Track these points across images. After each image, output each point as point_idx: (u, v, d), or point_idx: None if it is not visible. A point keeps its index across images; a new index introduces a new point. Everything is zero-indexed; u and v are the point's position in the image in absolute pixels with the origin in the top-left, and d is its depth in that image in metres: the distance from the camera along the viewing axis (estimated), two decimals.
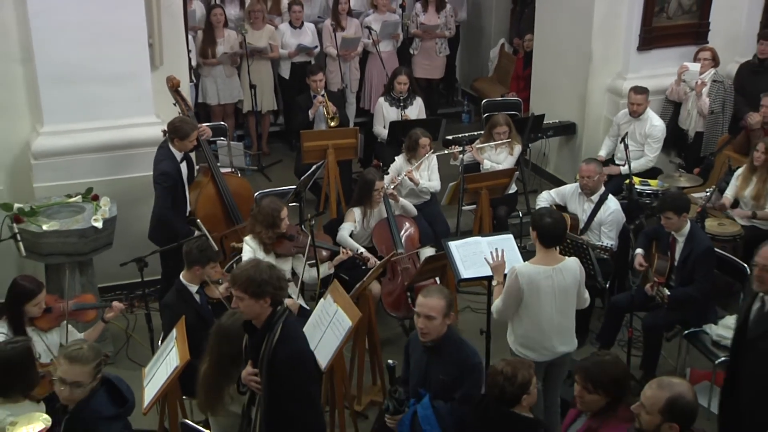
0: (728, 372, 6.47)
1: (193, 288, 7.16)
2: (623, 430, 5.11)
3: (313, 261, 7.98)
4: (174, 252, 8.11)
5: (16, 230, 8.25)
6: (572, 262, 6.80)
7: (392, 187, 9.34)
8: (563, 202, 9.06)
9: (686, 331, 7.98)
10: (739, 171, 9.30)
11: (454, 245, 7.59)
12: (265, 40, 12.41)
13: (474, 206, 9.80)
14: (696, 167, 10.52)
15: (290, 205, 8.87)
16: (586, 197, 8.82)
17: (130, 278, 8.24)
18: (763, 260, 6.01)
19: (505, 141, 10.08)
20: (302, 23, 12.71)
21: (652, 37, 11.06)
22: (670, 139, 10.82)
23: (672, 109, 11.12)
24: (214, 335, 6.03)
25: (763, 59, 10.87)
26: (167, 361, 6.46)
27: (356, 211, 8.85)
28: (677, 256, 7.96)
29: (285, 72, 12.89)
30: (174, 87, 9.03)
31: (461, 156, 9.83)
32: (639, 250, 8.30)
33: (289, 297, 7.76)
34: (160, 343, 7.19)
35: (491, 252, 7.27)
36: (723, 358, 7.58)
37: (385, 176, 9.52)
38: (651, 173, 10.20)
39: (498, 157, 10.18)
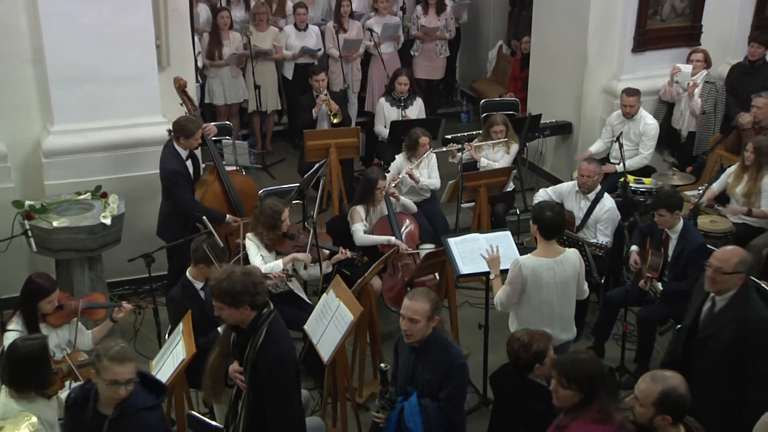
0: (680, 371, 6.43)
1: (199, 285, 7.14)
2: (593, 429, 5.10)
3: (315, 258, 7.99)
4: (181, 248, 8.14)
5: (28, 226, 8.26)
6: (572, 254, 6.84)
7: (393, 185, 9.34)
8: (560, 199, 9.04)
9: (679, 325, 7.95)
10: (731, 169, 9.29)
11: (453, 242, 7.60)
12: (270, 42, 12.40)
13: (473, 204, 9.79)
14: (689, 166, 10.50)
15: (293, 202, 8.89)
16: (583, 195, 8.82)
17: (138, 274, 8.23)
18: (717, 262, 6.02)
19: (502, 140, 10.09)
20: (307, 25, 12.69)
21: (646, 39, 11.06)
22: (664, 139, 10.81)
23: (665, 110, 11.11)
24: (226, 326, 6.02)
25: (753, 61, 10.87)
26: (174, 354, 6.46)
27: (360, 210, 8.84)
28: (670, 252, 7.96)
29: (288, 73, 12.89)
30: (181, 87, 9.02)
31: (459, 154, 9.83)
32: (634, 247, 8.29)
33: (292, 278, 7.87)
34: (166, 336, 7.18)
35: (487, 248, 7.30)
36: None
37: (387, 175, 9.53)
38: (645, 172, 10.19)
39: (495, 155, 10.18)
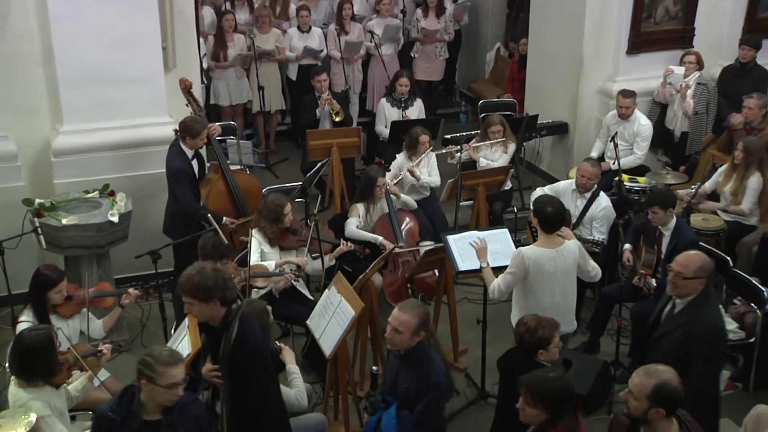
0: (640, 363, 6.44)
1: None
2: None
3: (317, 254, 7.99)
4: (186, 245, 8.15)
5: (38, 224, 8.27)
6: (572, 245, 6.87)
7: (395, 183, 9.35)
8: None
9: None
10: (722, 168, 9.31)
11: (452, 239, 7.58)
12: (272, 43, 12.39)
13: (471, 202, 9.78)
14: (682, 165, 10.51)
15: (296, 200, 8.89)
16: (579, 194, 8.82)
17: (145, 270, 8.22)
18: (678, 267, 6.01)
19: (499, 140, 10.09)
20: (310, 27, 12.68)
21: (640, 42, 11.06)
22: (657, 139, 10.81)
23: (659, 110, 11.12)
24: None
25: (744, 63, 10.88)
26: (180, 348, 6.44)
27: (360, 207, 8.85)
28: (664, 249, 7.97)
29: (293, 74, 12.88)
30: (186, 88, 9.03)
31: (458, 154, 9.83)
32: (627, 246, 8.31)
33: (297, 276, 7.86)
34: (172, 331, 7.18)
35: (475, 239, 7.35)
36: None
37: (387, 173, 9.54)
38: (639, 171, 10.19)
39: (493, 155, 10.18)
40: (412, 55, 13.60)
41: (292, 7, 13.14)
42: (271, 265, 7.81)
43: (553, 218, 6.75)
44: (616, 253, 8.79)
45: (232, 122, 11.67)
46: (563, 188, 9.02)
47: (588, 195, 8.76)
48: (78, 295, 7.02)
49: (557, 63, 11.69)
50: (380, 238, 8.68)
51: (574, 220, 8.80)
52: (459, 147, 9.91)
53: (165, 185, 8.64)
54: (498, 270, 7.13)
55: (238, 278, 7.39)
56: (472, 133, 10.85)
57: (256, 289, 7.61)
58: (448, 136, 11.10)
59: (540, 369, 5.53)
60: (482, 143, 10.16)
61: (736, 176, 9.06)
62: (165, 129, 9.04)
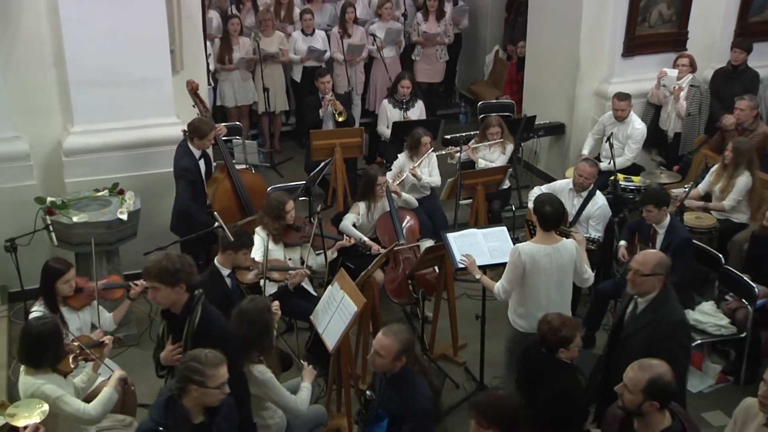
0: (604, 369, 6.43)
1: (225, 271, 7.17)
2: None
3: (320, 249, 8.00)
4: (193, 242, 8.16)
5: (49, 222, 8.28)
6: (569, 243, 6.85)
7: (397, 182, 9.36)
8: None
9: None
10: (714, 167, 9.32)
11: (452, 237, 7.59)
12: (276, 46, 12.40)
13: (470, 200, 9.80)
14: (675, 165, 10.52)
15: (300, 199, 8.90)
16: (576, 193, 8.82)
17: None
18: (636, 265, 6.02)
19: (497, 141, 10.09)
20: (313, 30, 12.69)
21: (635, 45, 11.06)
22: (652, 139, 10.83)
23: (653, 112, 11.13)
24: (234, 318, 6.01)
25: (736, 66, 10.89)
26: None
27: (361, 205, 8.86)
28: (658, 246, 7.95)
29: (297, 75, 12.89)
30: (193, 90, 9.03)
31: (458, 155, 9.84)
32: (622, 242, 8.33)
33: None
34: None
35: (462, 258, 7.33)
36: (699, 341, 7.61)
37: (388, 173, 9.55)
38: (634, 170, 10.20)
39: (492, 155, 10.19)
40: (413, 57, 13.60)
41: (297, 11, 13.15)
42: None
43: (551, 217, 6.74)
44: (612, 250, 8.81)
45: (237, 123, 11.67)
46: (560, 187, 9.03)
47: (584, 194, 8.77)
48: (88, 287, 7.05)
49: (554, 65, 11.69)
50: (365, 239, 8.66)
51: (570, 219, 8.81)
52: (458, 147, 9.93)
53: (172, 184, 8.64)
54: (497, 267, 7.14)
55: (256, 271, 7.42)
56: (472, 133, 10.85)
57: (272, 282, 7.63)
58: (448, 137, 11.10)
59: (490, 389, 5.46)
60: (481, 144, 10.17)
61: (725, 175, 9.07)
62: (172, 129, 9.06)
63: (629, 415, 5.06)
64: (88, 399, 6.07)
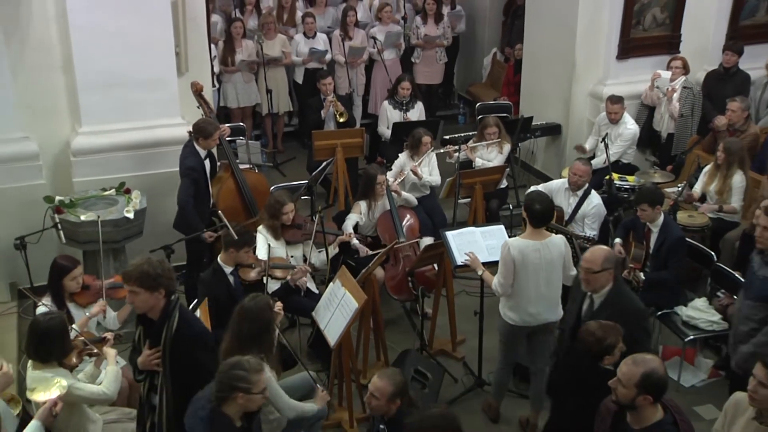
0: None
1: (228, 269, 7.21)
2: None
3: (322, 247, 8.02)
4: (197, 240, 8.17)
5: (58, 220, 8.32)
6: (558, 239, 6.86)
7: (398, 181, 9.38)
8: (550, 195, 9.06)
9: (659, 312, 8.01)
10: (706, 168, 9.33)
11: (450, 235, 7.61)
12: (278, 49, 12.41)
13: (469, 199, 9.81)
14: (669, 165, 10.53)
15: (302, 198, 8.92)
16: (572, 192, 8.84)
17: None
18: (586, 263, 6.01)
19: (495, 141, 10.10)
20: (315, 33, 12.70)
21: (629, 47, 11.08)
22: (645, 140, 10.85)
23: (647, 113, 11.13)
24: (236, 315, 6.02)
25: (728, 68, 10.89)
26: None
27: (362, 204, 8.87)
28: (652, 244, 7.99)
29: (299, 77, 12.90)
30: (198, 91, 9.05)
31: (456, 154, 9.86)
32: (617, 240, 8.33)
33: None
34: None
35: (466, 254, 7.37)
36: (692, 336, 7.62)
37: (389, 172, 9.56)
38: (628, 170, 10.21)
39: (489, 155, 10.20)
40: (413, 60, 13.61)
41: (299, 14, 13.16)
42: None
43: (540, 214, 6.75)
44: None
45: (241, 123, 11.69)
46: (557, 187, 9.05)
47: (580, 193, 8.79)
48: (95, 285, 7.10)
49: (551, 67, 11.71)
50: (355, 242, 8.63)
51: (567, 217, 8.83)
52: (457, 147, 9.94)
53: (178, 183, 8.64)
54: (496, 264, 7.16)
55: (258, 269, 7.44)
56: (470, 134, 10.85)
57: (274, 280, 7.64)
58: (447, 137, 11.11)
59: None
60: (479, 144, 10.18)
61: (719, 176, 9.08)
62: (178, 130, 9.07)
63: (622, 409, 5.07)
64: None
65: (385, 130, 11.14)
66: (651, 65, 11.09)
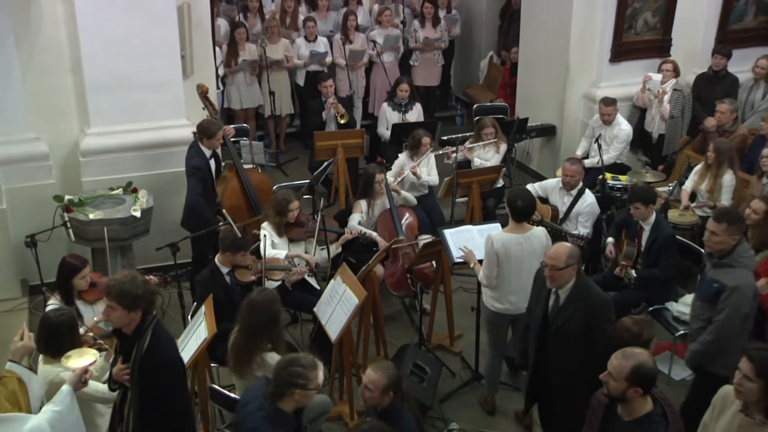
0: (535, 359, 6.42)
1: (224, 270, 7.22)
2: None
3: (323, 244, 8.04)
4: (202, 238, 8.20)
5: (67, 219, 8.35)
6: (539, 231, 6.96)
7: (398, 181, 9.40)
8: (545, 194, 9.11)
9: (651, 308, 8.03)
10: (697, 167, 9.35)
11: (448, 233, 7.63)
12: (281, 52, 12.44)
13: (466, 198, 9.83)
14: (660, 165, 10.55)
15: (304, 197, 8.94)
16: (566, 191, 8.87)
17: (165, 261, 8.27)
18: (550, 261, 5.99)
19: (491, 141, 10.13)
20: (316, 37, 12.73)
21: (622, 51, 11.10)
22: (637, 140, 10.87)
23: (638, 114, 11.15)
24: (245, 308, 6.04)
25: (717, 71, 10.92)
26: (197, 333, 6.50)
27: (362, 203, 8.89)
28: (644, 242, 8.00)
29: (300, 80, 12.92)
30: (203, 93, 9.07)
31: (454, 155, 9.88)
32: (610, 239, 8.36)
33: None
34: (190, 318, 7.24)
35: (461, 248, 7.42)
36: (682, 332, 7.63)
37: (389, 172, 9.59)
38: (621, 170, 10.23)
39: (486, 155, 10.22)
40: (411, 63, 13.63)
41: (301, 18, 13.18)
42: (281, 254, 7.88)
43: (522, 209, 6.88)
44: (599, 245, 8.85)
45: (245, 124, 11.72)
46: (551, 186, 9.09)
47: (574, 192, 8.81)
48: (101, 282, 7.07)
49: (545, 70, 11.73)
50: (375, 235, 8.72)
51: (561, 216, 8.86)
52: (455, 148, 9.97)
53: (184, 182, 8.66)
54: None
55: (255, 269, 7.46)
56: (467, 134, 10.88)
57: (270, 281, 7.66)
58: (445, 138, 11.15)
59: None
60: (476, 144, 10.21)
61: (710, 175, 9.10)
62: (184, 131, 9.10)
63: (613, 401, 5.10)
64: None
65: (385, 131, 11.17)
66: (643, 68, 11.10)
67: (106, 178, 8.95)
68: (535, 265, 6.67)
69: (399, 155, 9.96)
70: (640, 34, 11.13)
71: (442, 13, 13.85)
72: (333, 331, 6.76)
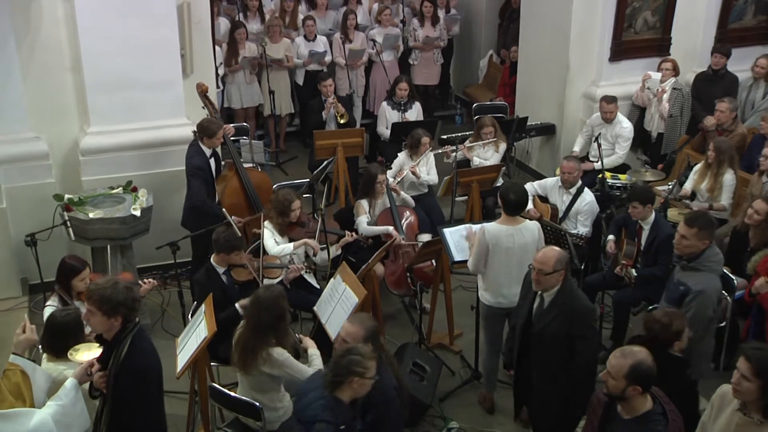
0: (518, 358, 6.48)
1: (221, 269, 7.21)
2: None
3: (323, 245, 8.04)
4: (202, 237, 8.19)
5: (67, 218, 8.34)
6: (532, 224, 7.01)
7: (398, 180, 9.40)
8: (545, 193, 9.11)
9: (650, 307, 8.01)
10: (697, 167, 9.34)
11: (448, 231, 7.64)
12: (282, 52, 12.44)
13: (466, 197, 9.85)
14: (659, 164, 10.55)
15: (304, 196, 8.94)
16: (565, 190, 8.87)
17: (165, 260, 8.27)
18: (538, 265, 6.01)
19: (491, 140, 10.13)
20: (315, 36, 12.74)
21: (621, 50, 11.11)
22: (636, 139, 10.85)
23: (638, 113, 11.16)
24: (252, 304, 6.04)
25: (716, 70, 10.92)
26: (197, 332, 6.50)
27: (364, 203, 8.88)
28: (643, 241, 7.99)
29: (300, 79, 12.92)
30: (203, 92, 9.07)
31: (454, 154, 9.89)
32: (611, 237, 8.36)
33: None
34: (190, 316, 7.24)
35: (466, 227, 7.52)
36: None
37: (389, 171, 9.58)
38: (620, 168, 10.23)
39: (486, 154, 10.23)
40: (411, 62, 13.64)
41: (300, 18, 13.18)
42: (289, 247, 7.89)
43: (514, 203, 6.93)
44: (599, 244, 8.85)
45: (245, 123, 11.73)
46: (551, 184, 9.09)
47: (573, 190, 8.81)
48: None
49: (545, 69, 11.74)
50: (390, 228, 8.70)
51: (560, 214, 8.86)
52: (454, 147, 9.97)
53: (184, 182, 8.68)
54: None
55: (251, 267, 7.46)
56: (467, 133, 10.88)
57: (268, 279, 7.66)
58: (445, 137, 11.14)
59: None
60: (475, 143, 10.21)
61: (710, 174, 9.08)
62: (183, 130, 9.10)
63: (613, 400, 5.11)
64: None
65: (384, 130, 11.17)
66: (642, 67, 11.11)
67: (106, 177, 8.94)
68: (526, 257, 6.69)
69: (398, 154, 9.95)
70: (640, 33, 11.14)
71: (441, 12, 13.87)
72: (333, 329, 6.75)
